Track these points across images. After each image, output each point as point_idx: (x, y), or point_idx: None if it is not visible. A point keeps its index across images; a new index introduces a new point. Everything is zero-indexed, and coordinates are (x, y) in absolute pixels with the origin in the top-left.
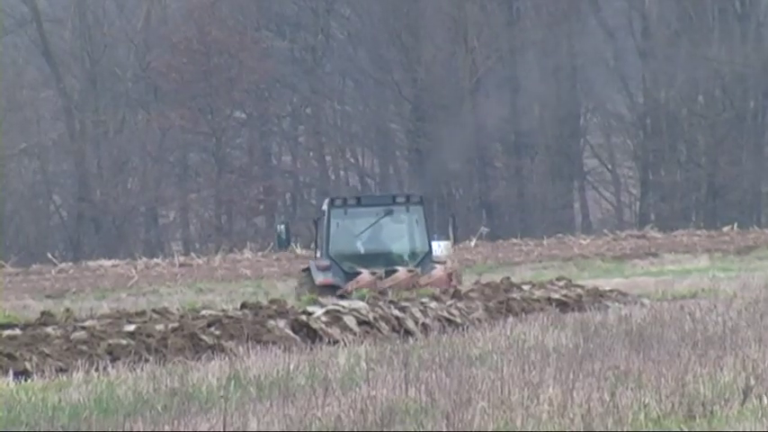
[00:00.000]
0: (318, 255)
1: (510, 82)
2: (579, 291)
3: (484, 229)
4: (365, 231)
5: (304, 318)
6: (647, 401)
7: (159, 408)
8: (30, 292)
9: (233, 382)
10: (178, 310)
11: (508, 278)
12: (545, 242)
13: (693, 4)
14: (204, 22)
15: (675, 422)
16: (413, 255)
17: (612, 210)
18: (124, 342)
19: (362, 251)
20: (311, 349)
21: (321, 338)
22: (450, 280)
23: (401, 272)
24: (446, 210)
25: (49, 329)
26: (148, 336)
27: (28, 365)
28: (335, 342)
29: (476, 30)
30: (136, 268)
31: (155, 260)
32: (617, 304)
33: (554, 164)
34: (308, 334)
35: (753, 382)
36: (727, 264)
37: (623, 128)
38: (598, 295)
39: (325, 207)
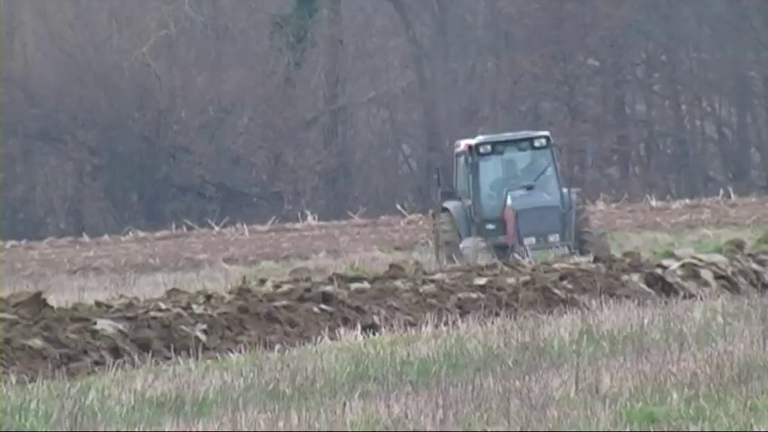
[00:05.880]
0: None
1: None
2: None
3: None
4: None
5: (659, 271)
6: None
7: (510, 362)
8: (378, 244)
9: (585, 337)
10: (530, 262)
11: None
12: None
13: None
14: None
15: None
16: None
17: None
18: (474, 295)
19: None
20: (666, 303)
21: (676, 292)
22: None
23: None
24: None
25: (398, 282)
26: (499, 289)
27: (376, 319)
28: (691, 296)
29: None
30: None
31: None
32: None
33: None
34: (663, 288)
35: None
36: None
37: None
38: None
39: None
